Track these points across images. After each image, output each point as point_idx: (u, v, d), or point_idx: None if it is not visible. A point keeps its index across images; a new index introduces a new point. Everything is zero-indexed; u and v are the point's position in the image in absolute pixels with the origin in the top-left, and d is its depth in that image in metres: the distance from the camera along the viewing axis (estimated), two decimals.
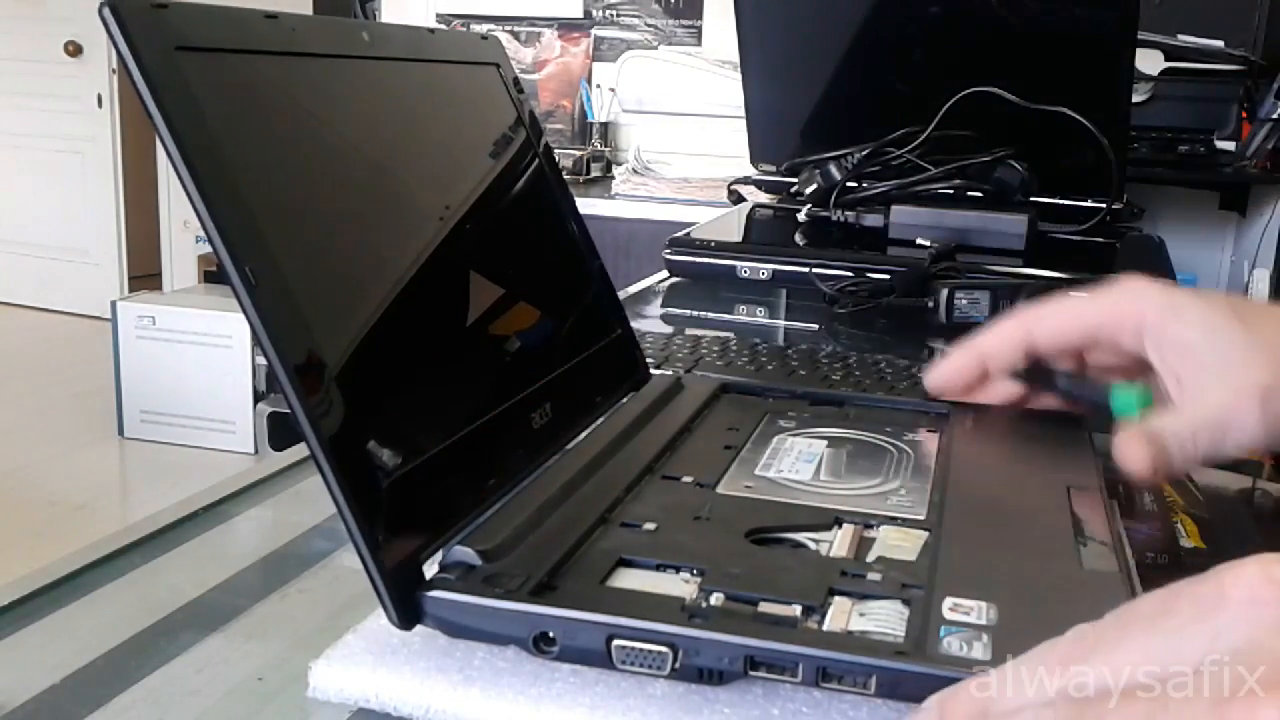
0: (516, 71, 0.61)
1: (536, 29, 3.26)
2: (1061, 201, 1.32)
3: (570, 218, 0.61)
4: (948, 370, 0.59)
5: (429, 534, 0.40)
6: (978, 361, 0.58)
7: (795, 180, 1.33)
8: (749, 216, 1.42)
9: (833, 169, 1.29)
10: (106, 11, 0.33)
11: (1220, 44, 2.19)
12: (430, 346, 0.45)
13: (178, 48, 0.36)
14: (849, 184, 1.29)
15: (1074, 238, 1.27)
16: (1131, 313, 0.53)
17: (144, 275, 4.62)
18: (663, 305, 1.14)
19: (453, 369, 0.46)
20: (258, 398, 3.17)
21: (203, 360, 3.14)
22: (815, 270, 1.10)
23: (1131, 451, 0.50)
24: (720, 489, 0.50)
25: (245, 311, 0.35)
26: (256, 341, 0.35)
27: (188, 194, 0.34)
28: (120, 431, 3.29)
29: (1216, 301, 0.52)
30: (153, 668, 0.42)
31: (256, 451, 3.17)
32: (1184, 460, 0.50)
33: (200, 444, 3.21)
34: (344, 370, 0.39)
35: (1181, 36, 2.14)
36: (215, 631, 0.45)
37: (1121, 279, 0.55)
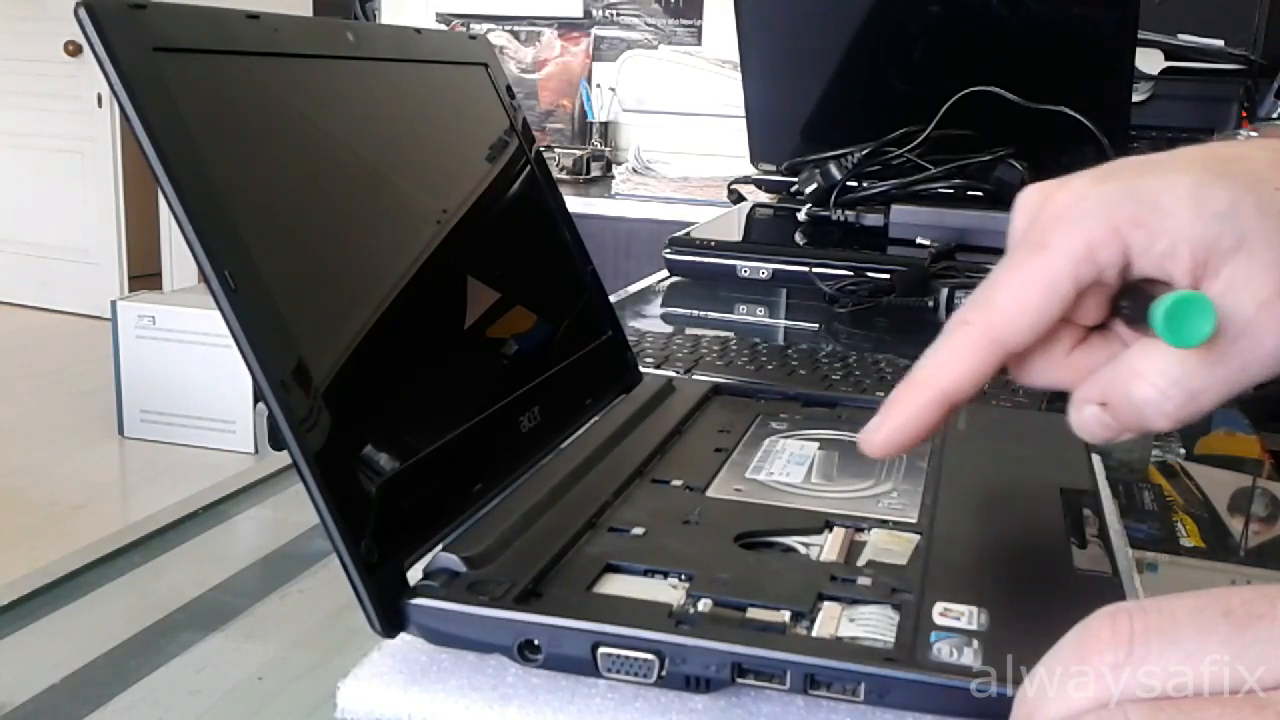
0: (516, 71, 0.60)
1: (536, 29, 3.25)
2: None
3: (559, 217, 0.60)
4: (899, 422, 0.41)
5: (413, 540, 0.39)
6: (941, 404, 0.40)
7: (795, 180, 1.33)
8: (749, 216, 1.42)
9: (833, 168, 1.29)
10: (82, 12, 0.33)
11: (1220, 44, 2.18)
12: (415, 350, 0.45)
13: (155, 48, 0.36)
14: (849, 183, 1.28)
15: None
16: (1106, 241, 0.37)
17: (144, 275, 4.63)
18: (663, 305, 1.14)
19: (439, 373, 0.46)
20: (257, 398, 3.16)
21: (203, 360, 3.14)
22: (815, 270, 1.09)
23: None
24: (710, 492, 0.49)
25: (224, 315, 0.35)
26: (236, 345, 0.35)
27: (165, 197, 0.34)
28: (120, 431, 3.29)
29: (1187, 162, 0.37)
30: (153, 668, 0.43)
31: (256, 451, 3.17)
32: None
33: (200, 444, 3.21)
34: (326, 374, 0.38)
35: (1181, 36, 2.13)
36: (215, 631, 0.45)
37: (1024, 207, 0.40)
